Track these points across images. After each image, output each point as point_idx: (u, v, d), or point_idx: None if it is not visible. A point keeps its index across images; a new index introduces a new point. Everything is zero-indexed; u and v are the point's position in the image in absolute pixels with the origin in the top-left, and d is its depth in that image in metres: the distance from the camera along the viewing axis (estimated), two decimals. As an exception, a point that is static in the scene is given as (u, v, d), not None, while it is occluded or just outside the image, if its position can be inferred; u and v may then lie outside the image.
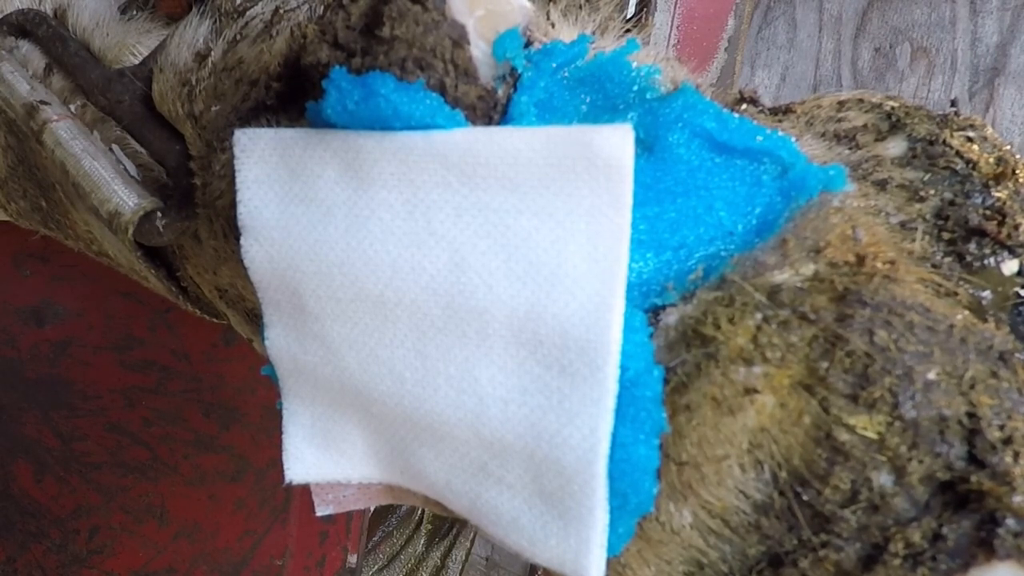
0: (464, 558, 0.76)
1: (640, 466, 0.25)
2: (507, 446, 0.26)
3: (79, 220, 0.42)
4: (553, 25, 0.30)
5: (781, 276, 0.25)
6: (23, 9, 0.43)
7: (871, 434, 0.24)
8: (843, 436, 0.24)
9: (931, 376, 0.24)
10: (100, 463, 0.59)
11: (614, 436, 0.25)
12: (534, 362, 0.26)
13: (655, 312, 0.27)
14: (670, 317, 0.26)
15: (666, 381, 0.26)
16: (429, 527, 0.76)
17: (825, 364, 0.24)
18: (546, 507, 0.26)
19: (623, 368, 0.25)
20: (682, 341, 0.26)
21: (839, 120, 0.32)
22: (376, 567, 0.74)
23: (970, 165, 0.29)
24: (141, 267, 0.39)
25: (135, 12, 0.44)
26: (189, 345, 0.59)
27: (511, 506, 0.27)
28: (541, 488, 0.26)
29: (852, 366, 0.24)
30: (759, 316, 0.25)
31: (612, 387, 0.25)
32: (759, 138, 0.29)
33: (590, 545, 0.25)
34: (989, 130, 0.31)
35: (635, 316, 0.26)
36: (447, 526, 0.76)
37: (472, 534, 0.77)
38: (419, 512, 0.76)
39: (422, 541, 0.75)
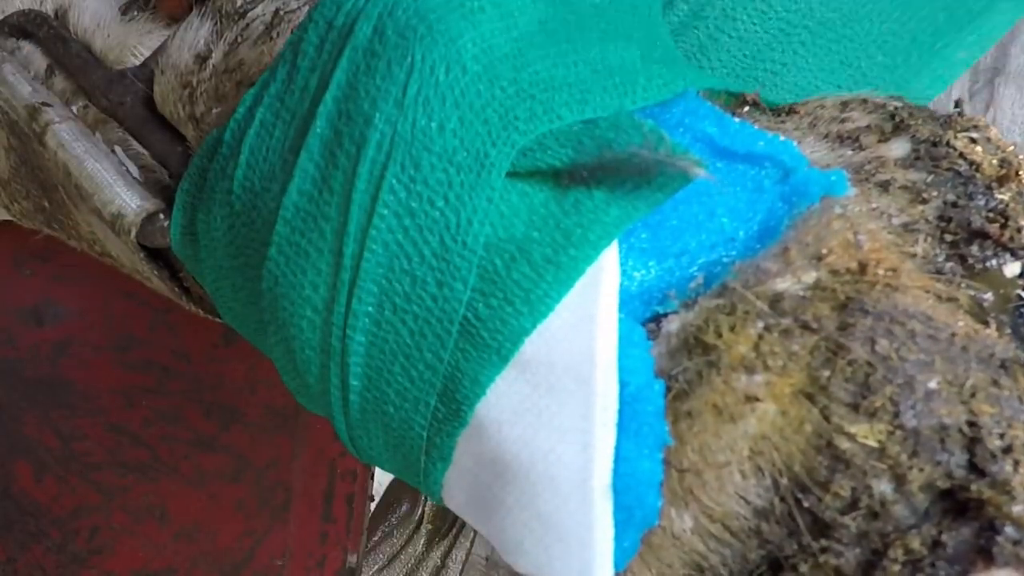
0: (464, 558, 0.76)
1: (644, 480, 0.25)
2: (505, 467, 0.26)
3: (82, 221, 0.42)
4: None
5: (783, 284, 0.26)
6: (24, 10, 0.43)
7: (872, 442, 0.24)
8: (844, 444, 0.24)
9: (932, 385, 0.24)
10: (100, 463, 0.59)
11: (617, 450, 0.25)
12: (523, 382, 0.26)
13: (656, 320, 0.27)
14: (672, 325, 0.26)
15: (668, 389, 0.26)
16: (429, 527, 0.76)
17: (827, 373, 0.25)
18: (545, 529, 0.26)
19: (624, 383, 0.25)
20: (683, 349, 0.26)
21: (842, 121, 0.32)
22: (376, 567, 0.74)
23: (973, 167, 0.29)
24: (144, 268, 0.39)
25: (136, 13, 0.44)
26: (189, 345, 0.59)
27: (513, 531, 0.26)
28: (539, 511, 0.26)
29: (853, 375, 0.24)
30: (761, 324, 0.25)
31: (604, 401, 0.25)
32: (761, 143, 0.29)
33: (592, 566, 0.25)
34: (993, 131, 0.31)
35: (634, 330, 0.26)
36: (447, 526, 0.76)
37: (472, 534, 0.77)
38: (419, 512, 0.76)
39: (422, 541, 0.75)
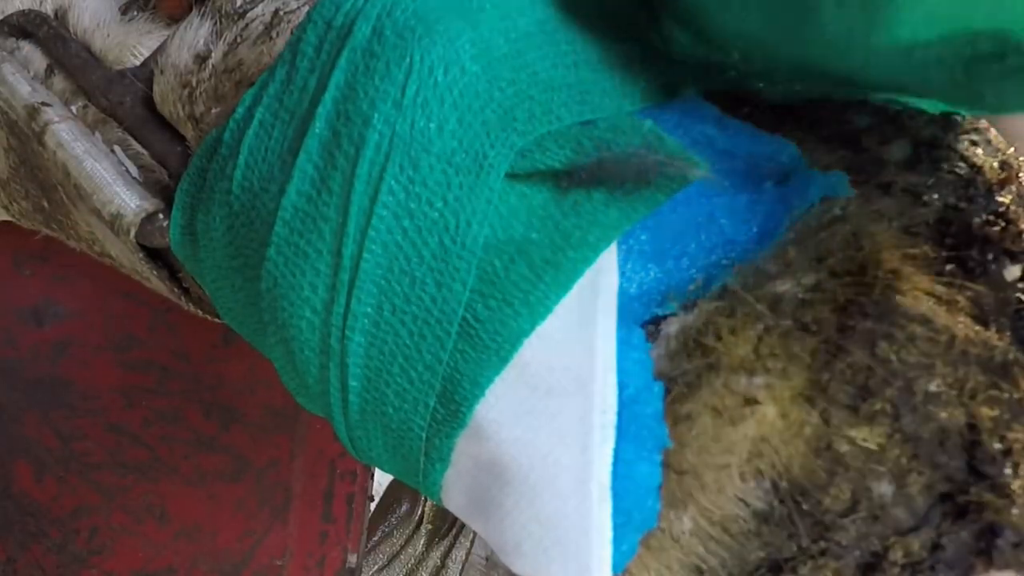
0: (464, 558, 0.76)
1: (643, 483, 0.25)
2: (504, 469, 0.26)
3: (81, 221, 0.42)
4: None
5: (783, 286, 0.25)
6: (24, 10, 0.43)
7: (871, 445, 0.24)
8: (844, 447, 0.24)
9: (932, 387, 0.24)
10: (100, 463, 0.59)
11: (616, 453, 0.25)
12: (522, 384, 0.26)
13: (656, 322, 0.27)
14: (671, 327, 0.26)
15: (667, 391, 0.26)
16: (429, 527, 0.76)
17: (826, 375, 0.24)
18: (543, 532, 0.26)
19: (622, 385, 0.25)
20: (683, 351, 0.26)
21: (843, 122, 0.32)
22: (376, 567, 0.74)
23: (974, 169, 0.29)
24: (143, 268, 0.39)
25: (136, 13, 0.44)
26: (189, 345, 0.59)
27: (512, 533, 0.26)
28: (537, 513, 0.26)
29: (853, 377, 0.24)
30: (760, 327, 0.25)
31: (602, 403, 0.25)
32: (760, 144, 0.29)
33: (590, 568, 0.25)
34: (993, 133, 0.31)
35: (633, 333, 0.26)
36: (447, 526, 0.76)
37: (472, 534, 0.77)
38: (419, 512, 0.76)
39: (422, 541, 0.75)
